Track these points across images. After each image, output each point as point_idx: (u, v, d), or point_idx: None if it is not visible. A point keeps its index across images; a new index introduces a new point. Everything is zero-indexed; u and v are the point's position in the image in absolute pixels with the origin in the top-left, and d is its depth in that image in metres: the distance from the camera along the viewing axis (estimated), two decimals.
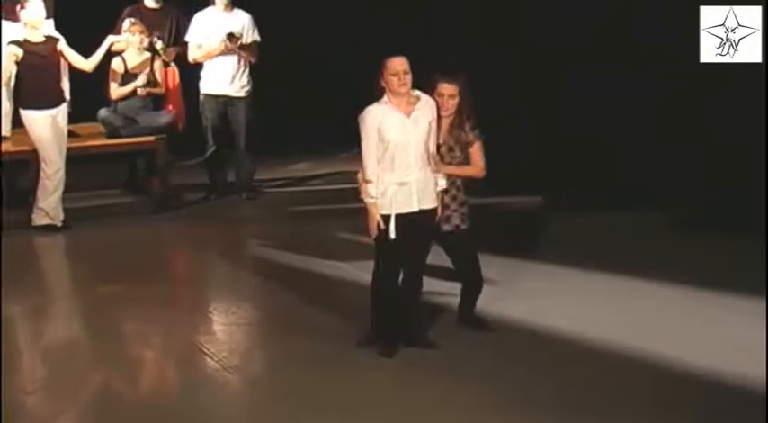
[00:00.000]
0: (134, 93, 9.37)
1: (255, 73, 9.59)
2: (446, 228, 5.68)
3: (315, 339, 5.80)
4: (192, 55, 9.53)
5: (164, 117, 9.49)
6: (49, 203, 8.54)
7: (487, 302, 5.93)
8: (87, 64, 8.88)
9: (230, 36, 9.31)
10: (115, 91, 9.41)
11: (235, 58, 9.43)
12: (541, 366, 5.31)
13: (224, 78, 9.46)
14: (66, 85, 9.01)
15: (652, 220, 7.94)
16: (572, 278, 6.82)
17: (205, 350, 5.75)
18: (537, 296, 6.41)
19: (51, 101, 8.58)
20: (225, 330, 6.30)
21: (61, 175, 8.59)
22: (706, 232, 7.47)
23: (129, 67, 9.42)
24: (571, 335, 5.68)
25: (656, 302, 6.25)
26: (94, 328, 6.39)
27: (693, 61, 6.91)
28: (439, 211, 5.55)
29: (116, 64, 9.41)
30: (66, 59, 8.81)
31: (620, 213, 8.13)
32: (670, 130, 8.33)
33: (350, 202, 9.41)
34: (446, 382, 5.12)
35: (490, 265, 6.68)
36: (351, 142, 12.66)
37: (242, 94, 9.53)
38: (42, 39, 8.59)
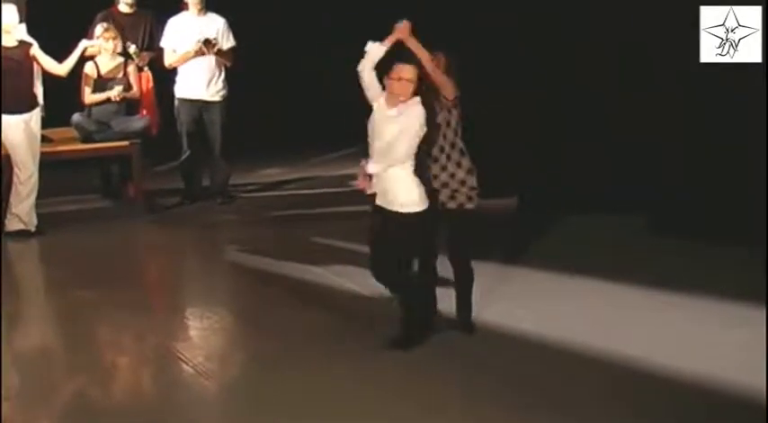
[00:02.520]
0: (108, 99, 9.36)
1: (230, 77, 9.60)
2: (450, 205, 5.68)
3: (290, 344, 5.81)
4: (168, 60, 9.53)
5: (138, 122, 9.47)
6: (23, 209, 8.51)
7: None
8: (61, 68, 8.86)
9: (206, 42, 9.33)
10: (89, 96, 9.39)
11: (210, 62, 9.43)
12: (511, 370, 5.34)
13: (199, 83, 9.46)
14: (39, 89, 8.98)
15: (630, 223, 7.94)
16: (542, 281, 6.86)
17: (180, 356, 5.74)
18: (507, 299, 6.44)
19: (24, 105, 8.55)
20: (200, 335, 6.30)
21: (35, 180, 8.56)
22: (683, 237, 7.48)
23: (103, 71, 9.41)
24: (539, 338, 5.72)
25: (626, 305, 6.29)
26: (69, 333, 6.38)
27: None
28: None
29: (89, 69, 9.39)
30: (39, 64, 8.78)
31: (598, 216, 8.12)
32: (657, 132, 8.30)
33: (324, 207, 9.49)
34: (425, 387, 5.14)
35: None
36: (324, 146, 12.75)
37: (217, 98, 9.53)
38: (15, 43, 8.57)
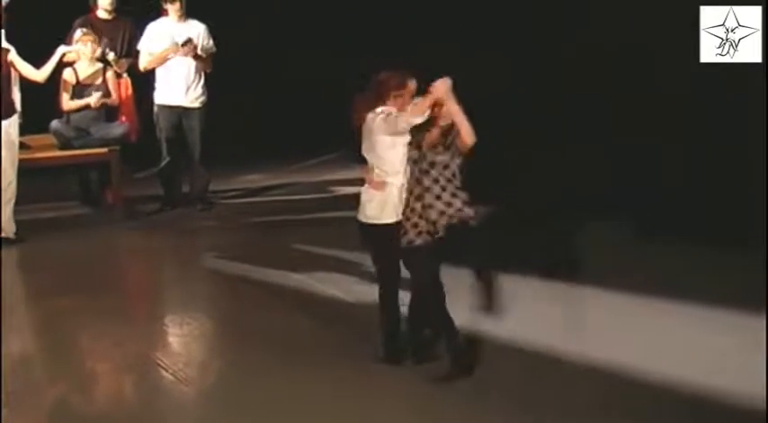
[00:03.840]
0: (86, 105, 9.32)
1: (210, 83, 9.58)
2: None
3: (271, 351, 5.78)
4: (143, 62, 9.48)
5: (117, 128, 9.44)
6: (2, 216, 8.46)
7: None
8: (39, 75, 8.82)
9: (188, 42, 9.29)
10: (67, 103, 9.35)
11: (189, 68, 9.39)
12: (505, 379, 5.32)
13: (178, 89, 9.42)
14: (17, 96, 8.93)
15: (622, 226, 7.92)
16: (534, 287, 6.84)
17: (160, 362, 5.71)
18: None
19: (2, 112, 8.50)
20: (180, 342, 6.27)
21: (13, 187, 8.51)
22: (674, 240, 7.47)
23: (81, 77, 9.37)
24: (533, 345, 5.70)
25: (619, 311, 6.28)
26: (48, 341, 6.33)
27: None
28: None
29: (67, 75, 9.35)
30: (17, 70, 8.74)
31: (590, 220, 8.13)
32: (654, 133, 8.26)
33: (304, 213, 9.47)
34: (411, 395, 5.12)
35: (446, 277, 6.71)
36: (305, 153, 12.71)
37: (197, 104, 9.50)
38: None
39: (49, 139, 9.43)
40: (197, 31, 9.47)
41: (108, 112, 9.51)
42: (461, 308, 6.08)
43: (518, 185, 8.87)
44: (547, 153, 8.87)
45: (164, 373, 5.58)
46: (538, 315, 6.25)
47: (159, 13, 9.52)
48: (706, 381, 5.07)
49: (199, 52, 9.39)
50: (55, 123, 9.33)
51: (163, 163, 9.65)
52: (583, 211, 8.19)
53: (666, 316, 6.14)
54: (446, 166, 5.38)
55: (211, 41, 9.53)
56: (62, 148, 9.33)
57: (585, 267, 7.07)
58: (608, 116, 8.53)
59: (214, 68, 9.57)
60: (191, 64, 9.40)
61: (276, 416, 4.93)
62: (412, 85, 5.35)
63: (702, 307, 6.19)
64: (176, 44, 9.29)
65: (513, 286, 6.83)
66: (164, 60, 9.39)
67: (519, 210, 8.74)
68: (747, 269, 6.76)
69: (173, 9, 9.40)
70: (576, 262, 7.26)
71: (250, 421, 4.92)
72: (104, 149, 9.29)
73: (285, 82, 12.25)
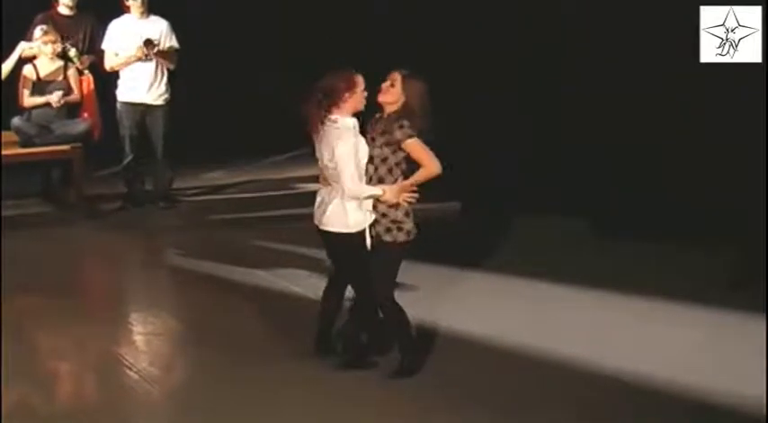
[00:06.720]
0: (48, 103, 9.25)
1: (174, 80, 9.53)
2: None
3: (235, 349, 5.79)
4: (109, 63, 9.42)
5: (79, 125, 9.36)
6: None
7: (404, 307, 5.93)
8: None
9: (147, 42, 9.24)
10: (27, 100, 9.26)
11: (152, 65, 9.35)
12: (454, 369, 5.37)
13: (141, 86, 9.37)
14: None
15: (572, 225, 8.01)
16: (488, 284, 6.90)
17: (124, 362, 5.70)
18: (450, 301, 6.47)
19: None
20: (143, 341, 6.25)
21: None
22: (626, 238, 7.55)
23: (42, 74, 9.29)
24: (483, 339, 5.76)
25: (569, 307, 6.35)
26: (10, 341, 6.28)
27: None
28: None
29: (28, 71, 9.26)
30: None
31: (541, 219, 8.20)
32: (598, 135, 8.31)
33: (267, 210, 9.46)
34: (374, 392, 5.14)
35: (406, 272, 6.74)
36: (268, 150, 12.66)
37: (160, 102, 9.45)
38: None
39: (10, 136, 9.34)
40: (159, 28, 9.42)
41: (70, 109, 9.44)
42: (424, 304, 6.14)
43: (477, 182, 8.91)
44: (510, 149, 8.89)
45: (128, 371, 5.57)
46: (496, 311, 6.30)
47: (122, 8, 9.45)
48: (677, 376, 5.13)
49: (161, 49, 9.35)
50: (16, 120, 9.24)
51: (126, 160, 9.60)
52: (540, 207, 8.24)
53: (626, 310, 6.21)
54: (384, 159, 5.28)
55: (174, 38, 9.49)
56: (23, 145, 9.25)
57: (543, 263, 7.13)
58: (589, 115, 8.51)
59: (178, 65, 9.52)
60: (154, 61, 9.35)
61: (240, 415, 4.94)
62: (359, 79, 5.27)
63: (664, 302, 6.27)
64: (141, 49, 9.23)
65: (469, 282, 6.92)
66: (129, 64, 9.34)
67: (476, 206, 8.79)
68: (707, 266, 6.86)
69: (134, 5, 9.34)
70: (533, 258, 7.32)
71: (214, 420, 4.92)
72: (67, 147, 9.22)
73: (251, 79, 12.22)
